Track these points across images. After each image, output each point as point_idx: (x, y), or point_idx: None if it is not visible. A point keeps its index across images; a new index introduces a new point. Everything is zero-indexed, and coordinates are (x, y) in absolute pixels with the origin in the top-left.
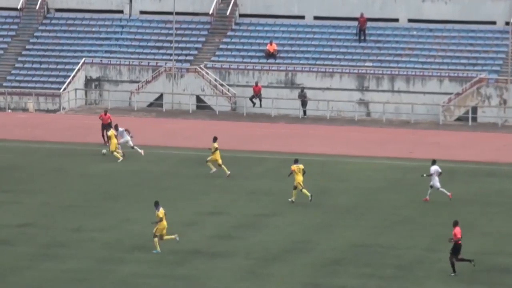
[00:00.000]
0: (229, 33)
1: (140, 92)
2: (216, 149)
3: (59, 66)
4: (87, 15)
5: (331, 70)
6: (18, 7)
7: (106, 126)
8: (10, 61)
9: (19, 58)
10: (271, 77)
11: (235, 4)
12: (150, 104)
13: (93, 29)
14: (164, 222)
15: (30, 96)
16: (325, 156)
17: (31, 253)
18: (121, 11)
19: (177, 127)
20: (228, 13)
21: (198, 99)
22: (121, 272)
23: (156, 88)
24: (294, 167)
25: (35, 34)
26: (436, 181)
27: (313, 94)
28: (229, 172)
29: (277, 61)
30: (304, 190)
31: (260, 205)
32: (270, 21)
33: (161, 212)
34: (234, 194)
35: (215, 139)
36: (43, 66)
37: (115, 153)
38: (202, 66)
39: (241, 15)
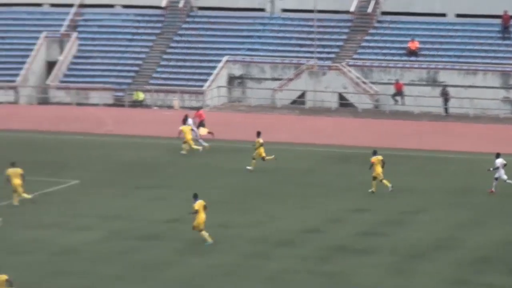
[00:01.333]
0: (371, 30)
1: (283, 89)
2: (261, 144)
3: (202, 64)
4: (230, 13)
5: (474, 67)
6: (163, 6)
7: (201, 123)
8: (155, 59)
9: (164, 56)
10: (413, 74)
11: (377, 2)
12: (293, 102)
13: (236, 27)
14: (202, 215)
15: (175, 94)
16: (470, 154)
17: (179, 248)
18: (263, 9)
19: (320, 125)
20: (369, 11)
21: (341, 97)
22: (267, 268)
23: (299, 86)
24: (374, 159)
25: (179, 32)
26: (502, 173)
27: (455, 91)
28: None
29: (419, 58)
30: (385, 181)
31: (404, 202)
32: (412, 18)
33: (197, 204)
34: (378, 191)
35: (258, 134)
36: (187, 64)
37: (194, 146)
38: (344, 64)
39: (382, 13)
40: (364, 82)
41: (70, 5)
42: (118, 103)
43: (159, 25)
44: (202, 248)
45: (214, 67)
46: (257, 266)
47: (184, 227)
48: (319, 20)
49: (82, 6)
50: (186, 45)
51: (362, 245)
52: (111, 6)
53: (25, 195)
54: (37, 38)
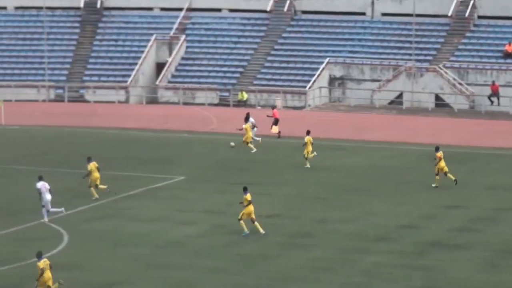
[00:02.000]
0: (468, 34)
1: (382, 90)
2: (307, 143)
3: (305, 65)
4: (332, 17)
5: None
6: (268, 10)
7: (276, 121)
8: (260, 61)
9: (268, 58)
10: (509, 76)
11: (474, 6)
12: (391, 102)
13: (337, 30)
14: (251, 207)
15: (278, 94)
16: None
17: (279, 242)
18: (363, 13)
19: (417, 124)
20: (466, 15)
21: (437, 98)
22: (364, 262)
23: (397, 87)
24: (438, 154)
25: (283, 35)
26: None
27: None
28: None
29: None
30: (449, 175)
31: (498, 199)
32: (508, 22)
33: (248, 196)
34: (473, 188)
35: (308, 133)
36: (290, 65)
37: (249, 144)
38: (441, 65)
39: (479, 17)
40: (460, 84)
41: (179, 9)
42: (223, 103)
43: (264, 28)
44: (301, 243)
45: (316, 69)
46: (354, 260)
47: (284, 221)
48: (418, 23)
49: (190, 10)
50: (290, 47)
51: (456, 240)
52: (218, 10)
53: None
54: (147, 40)
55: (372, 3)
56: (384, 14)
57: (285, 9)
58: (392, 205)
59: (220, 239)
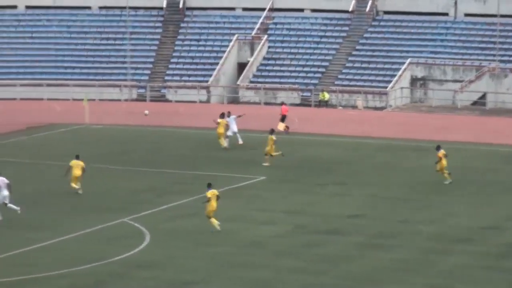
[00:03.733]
0: None
1: (464, 91)
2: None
3: (386, 66)
4: (414, 17)
5: None
6: (350, 10)
7: (283, 118)
8: (342, 61)
9: (350, 58)
10: None
11: None
12: (474, 103)
13: (419, 31)
14: (213, 203)
15: (359, 94)
16: None
17: (360, 242)
18: (446, 14)
19: (501, 125)
20: None
21: None
22: (446, 263)
23: (480, 88)
24: (440, 154)
25: (365, 35)
26: None
27: None
28: None
29: None
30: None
31: None
32: None
33: (209, 193)
34: None
35: (271, 132)
36: (371, 65)
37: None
38: None
39: None
40: None
41: (261, 9)
42: (304, 103)
43: (346, 28)
44: (382, 243)
45: (397, 69)
46: (436, 262)
47: (365, 222)
48: (502, 24)
49: (272, 10)
50: (371, 47)
51: None
52: (300, 10)
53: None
54: (229, 40)
55: (455, 3)
56: (467, 15)
57: (367, 9)
58: (475, 206)
59: (301, 239)
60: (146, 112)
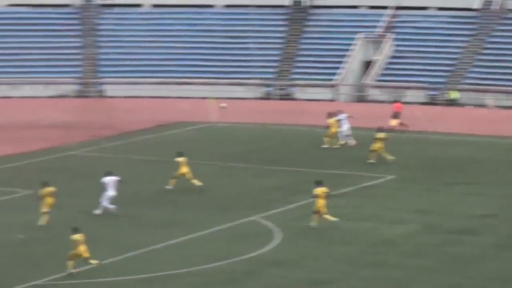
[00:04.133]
0: None
1: None
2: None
3: None
4: None
5: None
6: (476, 8)
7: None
8: (469, 60)
9: (477, 57)
10: None
11: None
12: None
13: None
14: (320, 201)
15: (489, 93)
16: None
17: (494, 242)
18: None
19: None
20: None
21: None
22: None
23: None
24: None
25: (493, 33)
26: None
27: None
28: None
29: None
30: None
31: None
32: None
33: (318, 190)
34: None
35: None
36: (501, 64)
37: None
38: None
39: None
40: None
41: (386, 7)
42: (432, 102)
43: (473, 26)
44: None
45: None
46: None
47: (499, 222)
48: None
49: (398, 8)
50: (500, 46)
51: None
52: (426, 8)
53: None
54: (354, 39)
55: None
56: None
57: (495, 7)
58: None
59: (432, 239)
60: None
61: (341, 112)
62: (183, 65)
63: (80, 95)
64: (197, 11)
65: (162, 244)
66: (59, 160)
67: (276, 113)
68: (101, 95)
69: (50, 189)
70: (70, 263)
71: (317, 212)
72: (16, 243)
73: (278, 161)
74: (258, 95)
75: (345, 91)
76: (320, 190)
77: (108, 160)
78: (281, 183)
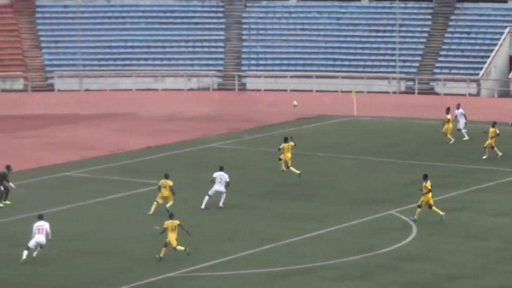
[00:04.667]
0: None
1: None
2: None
3: None
4: None
5: None
6: None
7: None
8: None
9: None
10: None
11: None
12: None
13: None
14: (429, 194)
15: None
16: None
17: None
18: None
19: None
20: None
21: None
22: None
23: None
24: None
25: None
26: None
27: None
28: None
29: None
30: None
31: None
32: None
33: (428, 184)
34: None
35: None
36: None
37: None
38: None
39: None
40: None
41: None
42: None
43: None
44: None
45: None
46: None
47: None
48: None
49: None
50: None
51: None
52: None
53: None
54: (500, 33)
55: None
56: None
57: None
58: None
59: None
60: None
61: (458, 107)
62: (325, 58)
63: (221, 88)
64: (342, 4)
65: (298, 237)
66: (198, 153)
67: (417, 107)
68: (243, 88)
69: (169, 182)
70: (163, 249)
71: (420, 206)
72: (152, 234)
73: (417, 156)
74: (400, 89)
75: (488, 86)
76: (430, 184)
77: (247, 153)
78: (419, 177)
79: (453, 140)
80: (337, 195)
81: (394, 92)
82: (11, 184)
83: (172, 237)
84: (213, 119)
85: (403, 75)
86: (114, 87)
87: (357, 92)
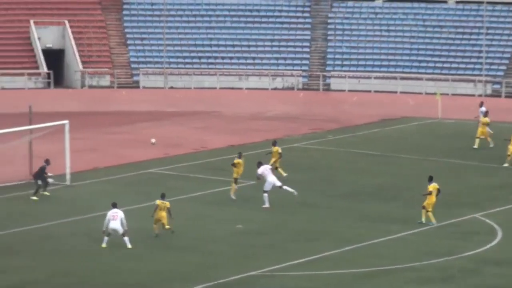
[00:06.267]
0: None
1: None
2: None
3: None
4: None
5: None
6: None
7: None
8: None
9: None
10: None
11: None
12: None
13: None
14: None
15: None
16: None
17: None
18: None
19: None
20: None
21: None
22: None
23: None
24: None
25: None
26: None
27: None
28: None
29: None
30: None
31: None
32: None
33: (432, 186)
34: None
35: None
36: None
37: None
38: None
39: None
40: None
41: None
42: None
43: None
44: None
45: None
46: None
47: None
48: None
49: None
50: None
51: None
52: None
53: None
54: None
55: None
56: None
57: None
58: None
59: None
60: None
61: (481, 105)
62: (410, 60)
63: (306, 88)
64: (428, 6)
65: (382, 239)
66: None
67: (503, 110)
68: (327, 89)
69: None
70: (154, 226)
71: (424, 207)
72: (236, 233)
73: (502, 159)
74: (486, 92)
75: None
76: (432, 187)
77: (330, 153)
78: (506, 181)
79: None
80: (421, 197)
81: (480, 95)
82: (51, 178)
83: (162, 215)
84: (297, 119)
85: (489, 78)
86: (199, 85)
87: (441, 94)
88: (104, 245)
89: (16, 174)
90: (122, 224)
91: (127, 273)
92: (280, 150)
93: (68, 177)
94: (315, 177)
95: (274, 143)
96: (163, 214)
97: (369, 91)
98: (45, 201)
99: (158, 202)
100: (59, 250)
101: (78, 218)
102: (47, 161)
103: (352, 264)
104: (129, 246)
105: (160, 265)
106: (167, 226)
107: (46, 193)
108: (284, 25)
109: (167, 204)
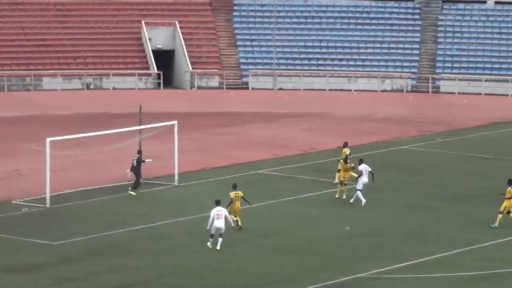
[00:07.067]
0: None
1: None
2: None
3: None
4: None
5: None
6: None
7: None
8: None
9: None
10: None
11: None
12: None
13: None
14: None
15: None
16: None
17: None
18: None
19: None
20: None
21: None
22: None
23: None
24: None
25: None
26: None
27: None
28: None
29: None
30: None
31: None
32: None
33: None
34: None
35: None
36: None
37: None
38: None
39: None
40: None
41: None
42: None
43: None
44: None
45: None
46: None
47: None
48: None
49: None
50: None
51: None
52: None
53: None
54: None
55: None
56: None
57: None
58: None
59: None
60: (149, 160)
61: None
62: None
63: (415, 90)
64: None
65: (491, 242)
66: (390, 154)
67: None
68: (436, 91)
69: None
70: (232, 217)
71: (501, 212)
72: (343, 235)
73: None
74: None
75: None
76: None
77: (439, 156)
78: None
79: None
80: None
81: None
82: (149, 159)
83: (237, 206)
84: (405, 121)
85: None
86: (308, 86)
87: None
88: (209, 245)
89: (126, 174)
90: (226, 222)
91: (235, 273)
92: (348, 152)
93: (176, 177)
94: (423, 180)
95: (345, 145)
96: (238, 205)
97: (479, 94)
98: (154, 201)
99: (231, 194)
100: (168, 250)
101: (186, 219)
102: (140, 152)
103: (460, 268)
104: (218, 247)
105: (267, 266)
106: (239, 224)
107: (133, 193)
108: (394, 27)
109: (240, 193)
